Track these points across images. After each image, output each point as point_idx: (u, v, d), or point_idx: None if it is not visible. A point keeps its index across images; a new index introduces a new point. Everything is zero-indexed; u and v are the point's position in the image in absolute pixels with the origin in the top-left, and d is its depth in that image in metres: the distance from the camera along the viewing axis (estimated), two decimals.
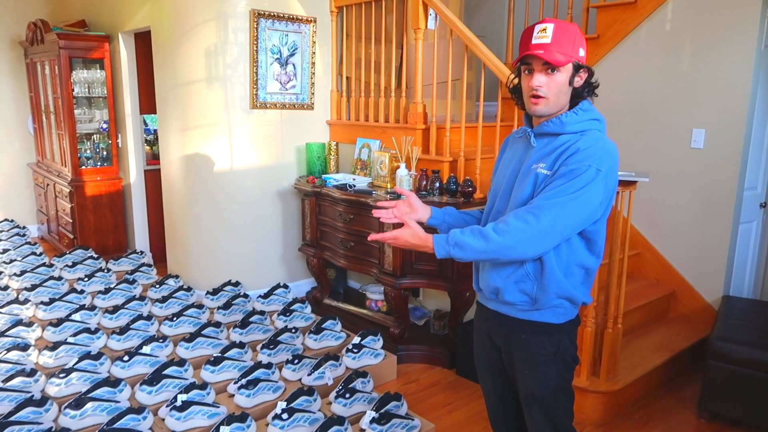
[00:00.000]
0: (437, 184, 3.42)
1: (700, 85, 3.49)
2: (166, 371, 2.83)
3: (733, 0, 3.32)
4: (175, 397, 2.58)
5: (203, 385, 2.71)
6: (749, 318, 3.11)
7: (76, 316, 3.47)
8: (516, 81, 1.71)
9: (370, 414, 2.54)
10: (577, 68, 1.60)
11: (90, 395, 2.58)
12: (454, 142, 3.57)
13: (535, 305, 1.65)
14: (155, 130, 5.02)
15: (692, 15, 3.49)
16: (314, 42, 4.21)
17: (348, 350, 3.16)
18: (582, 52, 1.61)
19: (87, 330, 3.24)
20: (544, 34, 1.56)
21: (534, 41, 1.57)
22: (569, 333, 1.72)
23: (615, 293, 2.84)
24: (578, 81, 1.62)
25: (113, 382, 2.69)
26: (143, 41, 4.72)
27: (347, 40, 4.29)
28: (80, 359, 2.90)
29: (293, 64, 4.16)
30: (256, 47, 3.94)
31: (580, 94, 1.63)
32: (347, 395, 2.71)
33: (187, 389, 2.65)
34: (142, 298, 3.77)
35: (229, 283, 4.02)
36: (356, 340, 3.24)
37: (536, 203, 1.55)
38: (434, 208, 1.91)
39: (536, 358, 1.68)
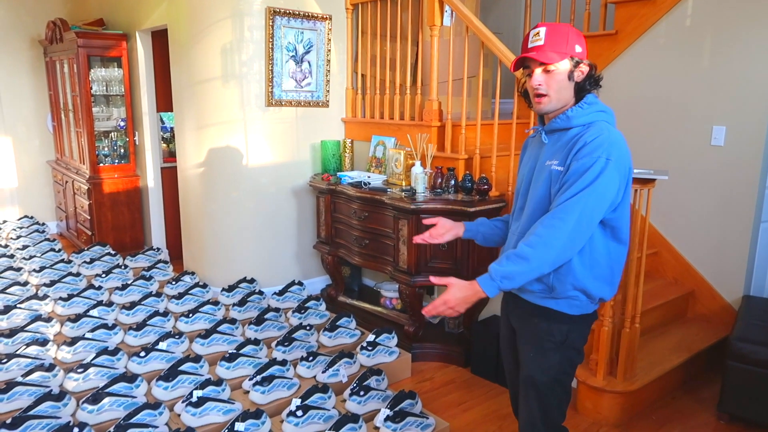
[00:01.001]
0: (452, 182, 3.40)
1: (720, 82, 3.43)
2: (182, 367, 2.85)
3: None
4: (191, 393, 2.60)
5: (218, 382, 2.73)
6: None
7: (94, 312, 3.51)
8: (525, 85, 1.79)
9: (385, 412, 2.54)
10: (576, 63, 1.68)
11: (107, 390, 2.61)
12: (470, 139, 3.55)
13: (552, 293, 1.72)
14: (172, 128, 5.06)
15: (713, 10, 3.43)
16: (329, 39, 4.21)
17: (362, 348, 3.16)
18: (579, 48, 1.68)
19: (104, 326, 3.28)
20: (537, 38, 1.67)
21: (530, 45, 1.69)
22: (581, 326, 1.77)
23: (633, 292, 2.81)
24: (579, 75, 1.69)
25: (130, 378, 2.72)
26: (160, 39, 4.75)
27: (362, 38, 4.28)
28: (98, 355, 2.93)
29: (308, 62, 4.17)
30: (272, 45, 3.94)
31: (583, 88, 1.70)
32: (362, 393, 2.71)
33: (202, 385, 2.66)
34: (158, 294, 3.81)
35: (244, 280, 4.04)
36: (371, 337, 3.24)
37: (558, 206, 1.60)
38: (467, 223, 2.03)
39: (543, 344, 1.75)
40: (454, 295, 1.64)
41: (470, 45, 3.54)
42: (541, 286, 1.72)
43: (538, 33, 1.67)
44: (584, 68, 1.69)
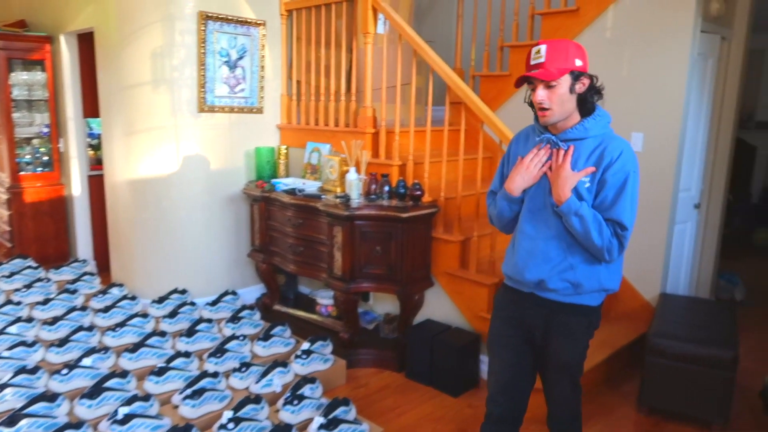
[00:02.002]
0: (386, 188, 3.43)
1: (638, 91, 3.62)
2: (108, 384, 2.75)
3: (668, 9, 3.46)
4: (116, 411, 2.51)
5: (146, 397, 2.64)
6: (684, 314, 3.24)
7: (12, 329, 3.32)
8: (530, 97, 1.91)
9: (318, 420, 2.53)
10: (577, 77, 1.80)
11: (25, 411, 2.48)
12: (403, 146, 3.60)
13: (576, 291, 1.90)
14: (99, 135, 4.87)
15: (630, 23, 3.62)
16: (264, 45, 4.18)
17: (297, 356, 3.14)
18: (579, 62, 1.81)
19: (23, 343, 3.11)
20: (539, 55, 1.80)
21: (531, 62, 1.81)
22: (598, 312, 2.00)
23: None
24: (580, 87, 1.82)
25: (50, 397, 2.59)
26: (86, 43, 4.58)
27: (297, 44, 4.27)
28: (15, 374, 2.78)
29: (242, 68, 4.12)
30: (204, 50, 3.87)
31: (585, 99, 1.84)
32: (295, 402, 2.69)
33: (129, 401, 2.58)
34: (83, 308, 3.65)
35: (175, 291, 3.93)
36: (305, 345, 3.22)
37: (614, 214, 1.82)
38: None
39: (574, 333, 1.94)
40: (568, 177, 1.82)
41: (404, 53, 3.60)
42: (566, 285, 1.89)
43: (539, 51, 1.79)
44: (585, 81, 1.82)
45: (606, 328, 3.60)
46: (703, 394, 2.82)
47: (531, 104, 1.92)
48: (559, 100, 1.80)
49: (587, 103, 1.84)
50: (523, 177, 1.93)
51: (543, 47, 1.79)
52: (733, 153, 4.16)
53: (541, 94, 1.80)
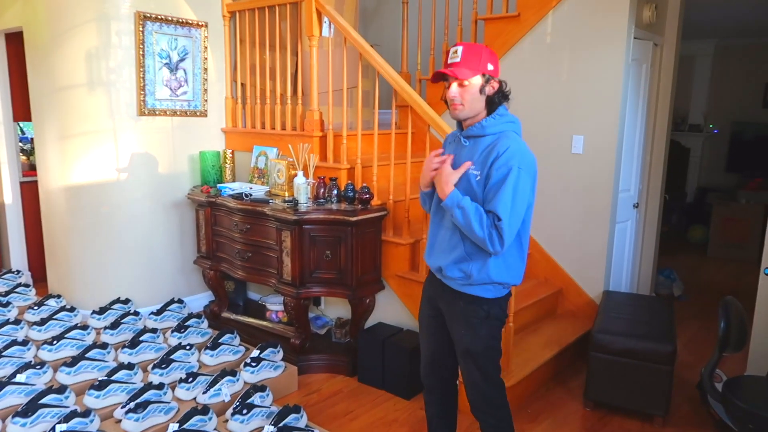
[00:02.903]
0: (335, 192, 3.41)
1: (578, 95, 3.74)
2: (44, 400, 2.60)
3: (604, 16, 3.59)
4: (53, 428, 2.39)
5: (86, 413, 2.53)
6: (626, 310, 3.36)
7: None
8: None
9: (268, 429, 2.49)
10: (488, 80, 1.96)
11: None
12: (351, 149, 3.59)
13: (469, 281, 2.01)
14: (33, 139, 4.64)
15: (569, 29, 3.73)
16: (206, 47, 4.08)
17: (246, 364, 3.07)
18: (491, 66, 1.97)
19: None
20: (455, 55, 1.94)
21: (449, 60, 1.95)
22: (499, 304, 2.09)
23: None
24: (490, 90, 1.97)
25: None
26: (15, 42, 4.36)
27: (241, 46, 4.19)
28: None
29: (184, 70, 4.01)
30: (143, 51, 3.75)
31: (493, 101, 1.99)
32: (245, 411, 2.63)
33: (67, 418, 2.46)
34: (17, 321, 3.46)
35: (118, 300, 3.79)
36: (255, 353, 3.16)
37: (493, 206, 1.90)
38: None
39: (471, 321, 2.05)
40: (446, 173, 1.97)
41: (349, 56, 3.59)
42: (461, 275, 2.01)
43: (456, 51, 1.94)
44: (495, 84, 1.98)
45: (553, 326, 3.70)
46: (645, 387, 2.93)
47: (446, 101, 2.04)
48: (469, 97, 1.95)
49: (494, 104, 1.99)
50: (423, 175, 2.10)
51: (459, 48, 1.94)
52: (668, 154, 4.35)
53: (453, 90, 1.96)
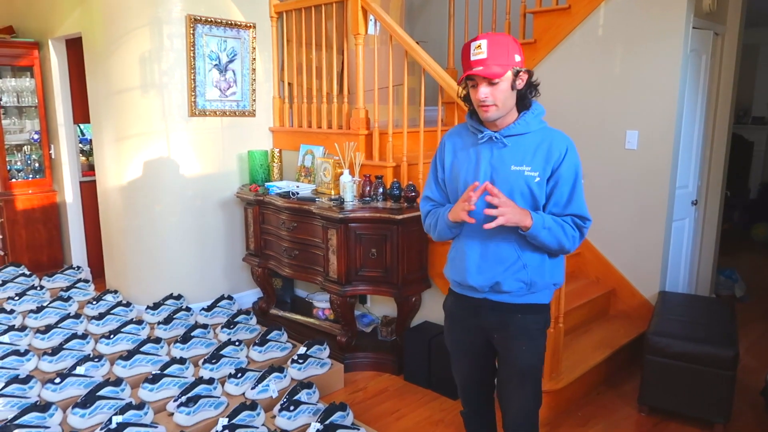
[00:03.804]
0: (380, 190, 3.40)
1: (632, 88, 3.60)
2: (101, 392, 2.71)
3: (659, 6, 3.44)
4: (110, 419, 2.47)
5: (140, 405, 2.61)
6: (683, 312, 3.22)
7: (5, 338, 3.28)
8: (465, 92, 1.89)
9: (315, 426, 2.50)
10: (516, 73, 1.78)
11: (17, 422, 2.45)
12: (397, 147, 3.57)
13: (530, 290, 1.89)
14: (91, 140, 4.83)
15: (623, 20, 3.60)
16: (254, 48, 4.14)
17: (293, 361, 3.11)
18: (518, 58, 1.78)
19: (16, 352, 3.07)
20: (479, 51, 1.74)
21: (472, 58, 1.75)
22: (549, 309, 2.00)
23: (556, 293, 2.89)
24: (520, 83, 1.80)
25: (43, 407, 2.56)
26: (75, 48, 4.54)
27: (288, 46, 4.24)
28: (7, 384, 2.74)
29: (233, 71, 4.08)
30: (194, 53, 3.84)
31: (524, 95, 1.83)
32: (291, 408, 2.65)
33: (122, 410, 2.54)
34: (77, 315, 3.61)
35: (170, 296, 3.90)
36: (302, 350, 3.19)
37: (573, 209, 1.83)
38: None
39: (531, 332, 1.92)
40: (513, 205, 1.76)
41: (395, 53, 3.57)
42: (520, 285, 1.87)
43: (480, 45, 1.73)
44: (524, 76, 1.80)
45: (605, 327, 3.58)
46: (704, 393, 2.79)
47: (465, 99, 1.90)
48: (501, 96, 1.76)
49: (526, 99, 1.83)
50: (455, 212, 1.84)
51: (483, 42, 1.73)
52: (729, 149, 4.14)
53: (484, 91, 1.75)
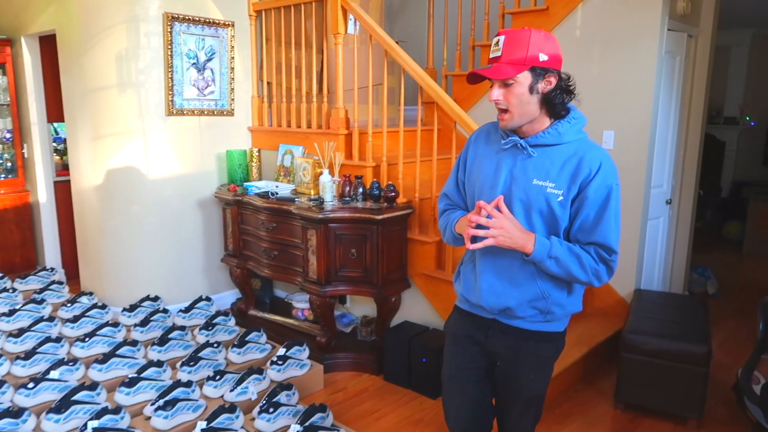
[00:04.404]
0: (360, 190, 3.40)
1: (609, 89, 3.65)
2: (76, 396, 2.66)
3: (635, 8, 3.49)
4: (85, 425, 2.43)
5: (117, 409, 2.57)
6: (658, 310, 3.27)
7: None
8: None
9: (295, 427, 2.49)
10: (539, 74, 1.56)
11: None
12: (377, 147, 3.57)
13: (546, 318, 1.72)
14: (65, 139, 4.74)
15: (599, 22, 3.65)
16: (233, 47, 4.11)
17: (272, 362, 3.09)
18: (543, 56, 1.54)
19: None
20: (497, 48, 1.56)
21: (490, 55, 1.58)
22: (564, 336, 1.82)
23: None
24: (545, 86, 1.58)
25: (15, 413, 2.51)
26: (49, 45, 4.45)
27: (267, 45, 4.21)
28: None
29: (211, 69, 4.04)
30: (171, 52, 3.79)
31: (551, 100, 1.59)
32: (271, 410, 2.64)
33: (98, 415, 2.50)
34: (51, 318, 3.55)
35: (147, 298, 3.85)
36: (281, 351, 3.18)
37: (598, 237, 1.60)
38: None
39: (542, 362, 1.77)
40: (511, 226, 1.56)
41: (375, 53, 3.57)
42: (535, 312, 1.70)
43: (498, 42, 1.56)
44: (552, 79, 1.57)
45: (582, 325, 3.62)
46: (678, 389, 2.85)
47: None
48: (517, 100, 1.56)
49: (555, 104, 1.59)
50: (461, 226, 1.72)
51: (501, 38, 1.55)
52: (702, 148, 4.22)
53: (495, 92, 1.57)
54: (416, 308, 3.49)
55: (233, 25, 4.09)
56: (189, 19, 3.84)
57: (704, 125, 4.20)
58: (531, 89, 1.56)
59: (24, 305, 3.73)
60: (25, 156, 4.84)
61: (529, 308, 1.69)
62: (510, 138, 1.67)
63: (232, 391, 2.83)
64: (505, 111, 1.60)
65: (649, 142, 3.56)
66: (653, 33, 3.45)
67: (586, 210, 1.60)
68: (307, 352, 3.26)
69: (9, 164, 4.85)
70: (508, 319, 1.74)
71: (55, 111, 4.72)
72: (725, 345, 3.84)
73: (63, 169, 4.84)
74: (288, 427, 2.56)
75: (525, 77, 1.55)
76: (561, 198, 1.60)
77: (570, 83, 1.63)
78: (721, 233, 6.79)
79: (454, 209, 1.89)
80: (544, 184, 1.61)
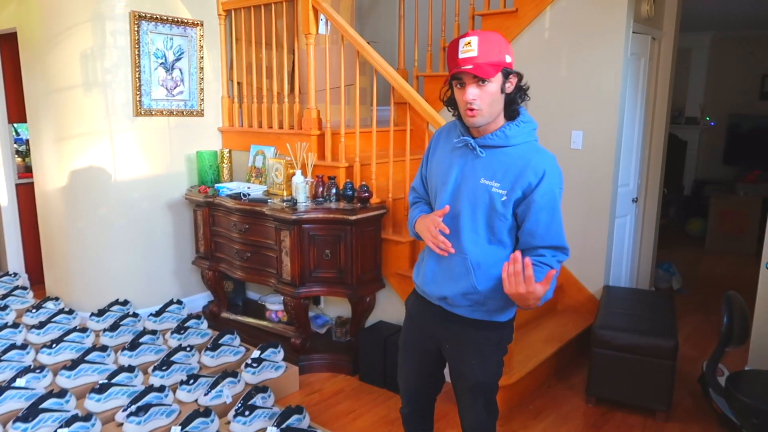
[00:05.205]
0: (333, 191, 3.39)
1: (577, 90, 3.72)
2: (44, 404, 2.58)
3: (602, 11, 3.57)
4: None
5: (87, 417, 2.51)
6: (627, 306, 3.35)
7: None
8: (449, 93, 1.76)
9: (271, 430, 2.48)
10: (507, 75, 1.64)
11: None
12: (349, 147, 3.57)
13: (485, 308, 1.78)
14: (28, 140, 4.61)
15: (567, 24, 3.72)
16: (202, 46, 4.05)
17: (247, 365, 3.06)
18: (509, 59, 1.64)
19: None
20: (469, 48, 1.59)
21: (461, 56, 1.60)
22: (510, 326, 1.88)
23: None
24: (509, 87, 1.67)
25: None
26: (9, 43, 4.32)
27: (237, 45, 4.17)
28: None
29: (180, 69, 3.98)
30: (138, 51, 3.72)
31: (513, 100, 1.68)
32: (246, 413, 2.62)
33: (68, 422, 2.44)
34: (15, 325, 3.44)
35: (116, 302, 3.77)
36: (256, 353, 3.15)
37: (550, 240, 1.69)
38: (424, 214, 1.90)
39: (483, 349, 1.82)
40: (538, 293, 1.58)
41: (347, 53, 3.56)
42: (470, 302, 1.76)
43: (469, 42, 1.60)
44: (513, 79, 1.67)
45: (554, 322, 3.69)
46: (647, 382, 2.92)
47: (448, 103, 1.78)
48: (489, 99, 1.62)
49: (514, 104, 1.69)
50: (423, 233, 1.78)
51: (474, 39, 1.60)
52: (666, 148, 4.34)
53: (472, 92, 1.61)
54: (391, 308, 3.50)
55: (202, 25, 4.03)
56: (156, 18, 3.77)
57: (668, 125, 4.32)
58: (501, 89, 1.65)
59: None
60: None
61: (464, 299, 1.77)
62: (462, 138, 1.75)
63: (206, 395, 2.79)
64: (476, 110, 1.64)
65: (616, 142, 3.65)
66: (619, 35, 3.54)
67: (535, 215, 1.67)
68: (281, 354, 3.24)
69: None
70: (449, 307, 1.82)
71: (16, 111, 4.58)
72: (690, 338, 3.96)
73: (25, 171, 4.70)
74: (264, 429, 2.55)
75: (498, 77, 1.63)
76: (504, 198, 1.68)
77: (525, 85, 1.72)
78: (683, 230, 6.99)
79: (421, 203, 1.98)
80: (490, 184, 1.69)
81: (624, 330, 3.00)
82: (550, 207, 1.67)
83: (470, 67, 1.59)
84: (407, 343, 2.01)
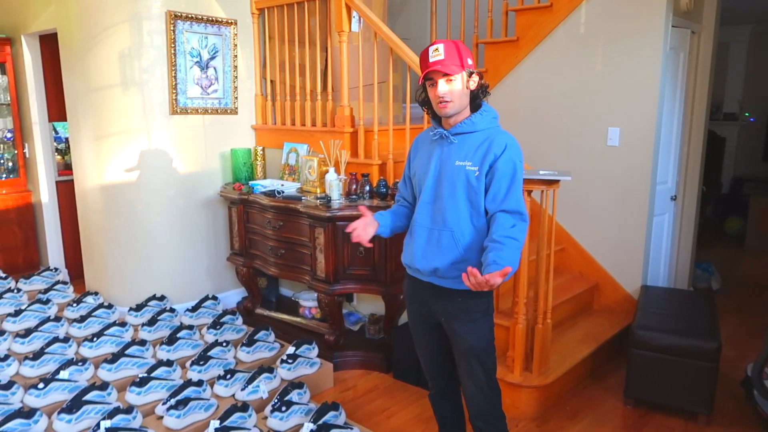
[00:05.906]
0: (367, 188, 3.39)
1: (613, 86, 3.65)
2: (87, 396, 2.65)
3: (639, 5, 3.50)
4: (98, 425, 2.43)
5: (129, 409, 2.56)
6: (665, 306, 3.28)
7: None
8: (423, 95, 2.06)
9: (308, 426, 2.49)
10: (469, 74, 1.97)
11: (1, 429, 2.38)
12: (383, 144, 3.56)
13: (470, 278, 1.88)
14: (67, 139, 4.72)
15: (604, 18, 3.65)
16: (236, 45, 4.09)
17: (282, 361, 3.09)
18: (470, 61, 1.98)
19: None
20: (437, 53, 1.93)
21: (431, 59, 1.94)
22: (492, 295, 2.11)
23: (543, 289, 2.92)
24: (472, 84, 1.99)
25: (27, 413, 2.50)
26: (49, 44, 4.43)
27: (270, 43, 4.20)
28: None
29: (214, 68, 4.03)
30: (174, 50, 3.77)
31: (476, 96, 2.01)
32: (283, 408, 2.64)
33: (110, 414, 2.49)
34: (57, 318, 3.53)
35: (153, 297, 3.84)
36: (291, 350, 3.17)
37: (510, 205, 1.93)
38: (376, 218, 2.18)
39: (472, 316, 2.02)
40: (492, 278, 1.74)
41: (379, 50, 3.56)
42: (458, 272, 1.92)
43: (437, 49, 1.93)
44: (476, 78, 1.99)
45: (589, 321, 3.64)
46: (688, 384, 2.86)
47: (422, 103, 2.07)
48: (458, 93, 1.94)
49: (477, 99, 2.00)
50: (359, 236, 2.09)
51: (441, 46, 1.93)
52: (705, 145, 4.24)
53: (443, 87, 1.93)
54: None
55: (236, 23, 4.07)
56: (192, 17, 3.82)
57: (707, 121, 4.21)
58: (465, 85, 1.97)
59: (29, 305, 3.71)
60: (27, 156, 4.81)
61: (453, 269, 1.97)
62: (437, 130, 2.06)
63: (243, 390, 2.82)
64: (448, 101, 1.95)
65: (655, 139, 3.57)
66: (657, 29, 3.46)
67: (498, 181, 1.94)
68: (316, 351, 3.26)
69: (10, 164, 4.82)
70: (439, 281, 2.03)
71: (56, 110, 4.70)
72: (731, 340, 3.86)
73: (64, 168, 4.81)
74: (301, 425, 2.56)
75: (462, 76, 1.96)
76: (477, 173, 1.96)
77: (484, 83, 2.03)
78: (722, 229, 6.82)
79: (390, 210, 2.27)
80: (464, 164, 1.98)
81: (663, 330, 2.94)
82: (511, 175, 1.94)
83: (439, 66, 1.91)
84: (414, 323, 2.23)
